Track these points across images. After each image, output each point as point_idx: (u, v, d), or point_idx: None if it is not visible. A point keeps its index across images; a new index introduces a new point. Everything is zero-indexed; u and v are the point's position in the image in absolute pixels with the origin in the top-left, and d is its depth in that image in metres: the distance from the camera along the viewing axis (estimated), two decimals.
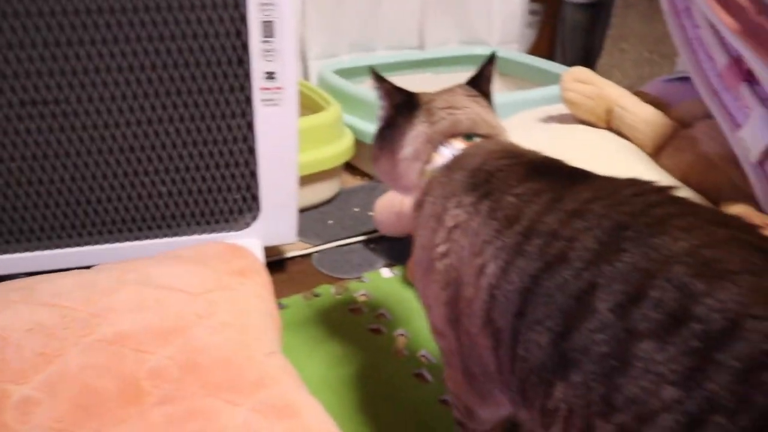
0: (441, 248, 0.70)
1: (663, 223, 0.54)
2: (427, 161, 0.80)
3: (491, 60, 0.91)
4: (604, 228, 0.56)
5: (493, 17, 2.41)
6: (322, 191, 1.61)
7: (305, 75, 2.11)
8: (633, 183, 0.62)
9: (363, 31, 2.18)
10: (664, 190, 0.60)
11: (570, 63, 1.68)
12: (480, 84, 0.89)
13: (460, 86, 0.89)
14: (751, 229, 0.55)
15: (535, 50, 2.64)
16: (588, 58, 2.41)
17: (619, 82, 1.21)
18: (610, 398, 0.50)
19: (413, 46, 2.32)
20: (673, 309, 0.48)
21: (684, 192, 1.01)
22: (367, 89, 1.83)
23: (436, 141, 0.81)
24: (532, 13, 2.61)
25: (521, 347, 0.59)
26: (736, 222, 0.56)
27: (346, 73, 1.99)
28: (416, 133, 0.83)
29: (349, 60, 2.14)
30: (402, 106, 0.85)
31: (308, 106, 1.64)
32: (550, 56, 2.62)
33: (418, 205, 0.78)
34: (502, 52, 2.33)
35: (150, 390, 0.76)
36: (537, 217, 0.61)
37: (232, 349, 0.83)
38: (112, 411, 0.73)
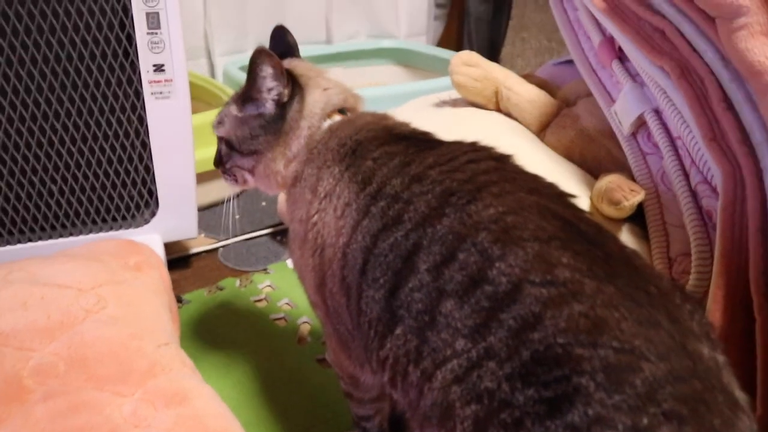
0: (314, 218, 0.72)
1: (481, 189, 0.59)
2: (310, 136, 0.79)
3: (283, 30, 0.91)
4: (435, 193, 0.60)
5: (399, 10, 2.44)
6: (229, 187, 1.59)
7: (211, 72, 2.09)
8: (472, 149, 0.66)
9: (269, 27, 2.17)
10: (498, 158, 0.65)
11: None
12: (295, 53, 0.89)
13: (298, 59, 0.88)
14: (560, 197, 0.61)
15: (443, 42, 2.69)
16: (493, 49, 2.47)
17: (522, 70, 1.25)
18: (421, 349, 0.55)
19: (321, 40, 2.33)
20: (473, 272, 0.54)
21: (566, 166, 1.06)
22: None
23: (323, 117, 0.79)
24: (439, 5, 2.66)
25: (363, 302, 0.63)
26: (549, 190, 0.62)
27: None
28: (311, 107, 0.79)
29: None
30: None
31: (211, 102, 1.63)
32: (458, 48, 2.67)
33: (296, 179, 0.78)
34: (409, 45, 2.37)
35: (34, 387, 0.74)
36: (386, 179, 0.65)
37: (122, 342, 0.81)
38: None
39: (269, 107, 0.79)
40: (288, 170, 0.80)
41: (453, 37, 2.72)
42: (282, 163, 0.80)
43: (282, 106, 0.79)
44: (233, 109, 0.82)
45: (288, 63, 0.83)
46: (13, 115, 1.02)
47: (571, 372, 0.46)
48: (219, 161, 0.87)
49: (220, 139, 0.85)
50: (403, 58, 2.33)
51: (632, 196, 0.87)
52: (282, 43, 0.90)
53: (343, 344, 0.73)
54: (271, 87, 0.78)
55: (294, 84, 0.80)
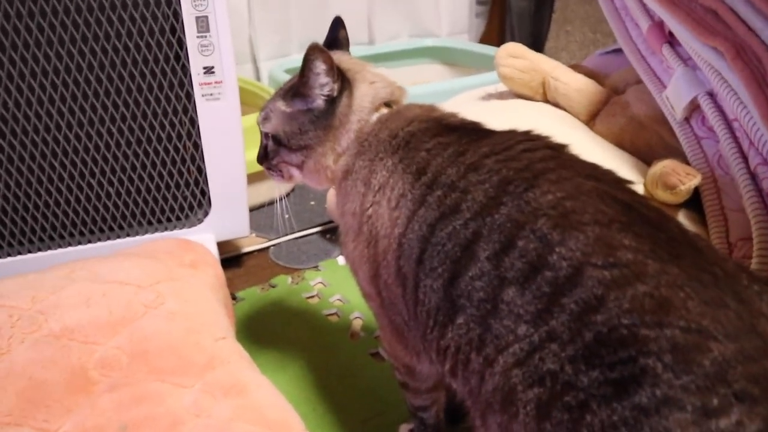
0: (369, 211, 0.72)
1: (538, 177, 0.58)
2: (360, 129, 0.79)
3: (340, 23, 0.91)
4: (492, 182, 0.60)
5: (441, 9, 2.44)
6: (278, 186, 1.61)
7: (257, 76, 2.12)
8: (527, 139, 0.66)
9: (312, 29, 2.20)
10: (554, 146, 0.65)
11: None
12: (344, 47, 0.90)
13: (341, 52, 0.88)
14: (618, 183, 0.60)
15: (485, 39, 2.67)
16: (536, 43, 2.45)
17: (566, 63, 1.24)
18: (483, 337, 0.55)
19: (363, 41, 2.34)
20: (533, 258, 0.53)
21: (617, 154, 1.04)
22: None
23: (372, 110, 0.79)
24: (480, 3, 2.64)
25: (420, 292, 0.63)
26: (607, 177, 0.61)
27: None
28: (360, 100, 0.79)
29: (299, 59, 2.15)
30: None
31: (258, 105, 1.65)
32: (501, 44, 2.65)
33: (346, 173, 0.78)
34: (452, 42, 2.36)
35: (98, 379, 0.77)
36: (441, 169, 0.65)
37: (181, 336, 0.83)
38: (60, 401, 0.74)
39: (319, 102, 0.79)
40: (338, 164, 0.80)
41: (495, 34, 2.70)
42: (332, 158, 0.80)
43: (331, 101, 0.79)
44: (281, 105, 0.83)
45: (343, 56, 0.84)
46: (72, 120, 1.06)
47: (637, 353, 0.46)
48: (264, 157, 0.87)
49: (266, 135, 0.86)
50: (446, 56, 2.32)
51: (688, 180, 0.85)
52: (335, 35, 0.90)
53: (399, 335, 0.73)
54: (323, 83, 0.78)
55: (342, 78, 0.79)
